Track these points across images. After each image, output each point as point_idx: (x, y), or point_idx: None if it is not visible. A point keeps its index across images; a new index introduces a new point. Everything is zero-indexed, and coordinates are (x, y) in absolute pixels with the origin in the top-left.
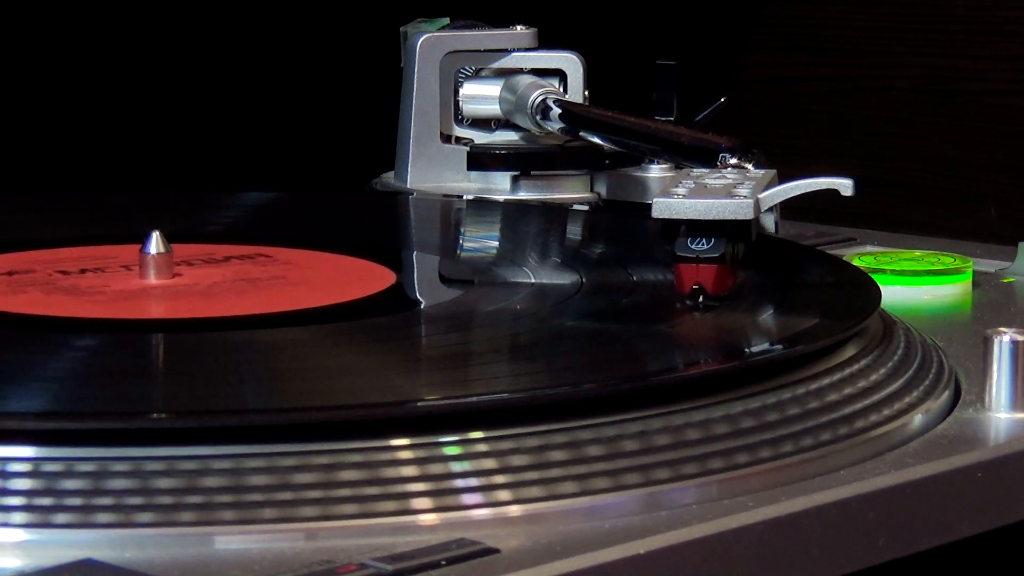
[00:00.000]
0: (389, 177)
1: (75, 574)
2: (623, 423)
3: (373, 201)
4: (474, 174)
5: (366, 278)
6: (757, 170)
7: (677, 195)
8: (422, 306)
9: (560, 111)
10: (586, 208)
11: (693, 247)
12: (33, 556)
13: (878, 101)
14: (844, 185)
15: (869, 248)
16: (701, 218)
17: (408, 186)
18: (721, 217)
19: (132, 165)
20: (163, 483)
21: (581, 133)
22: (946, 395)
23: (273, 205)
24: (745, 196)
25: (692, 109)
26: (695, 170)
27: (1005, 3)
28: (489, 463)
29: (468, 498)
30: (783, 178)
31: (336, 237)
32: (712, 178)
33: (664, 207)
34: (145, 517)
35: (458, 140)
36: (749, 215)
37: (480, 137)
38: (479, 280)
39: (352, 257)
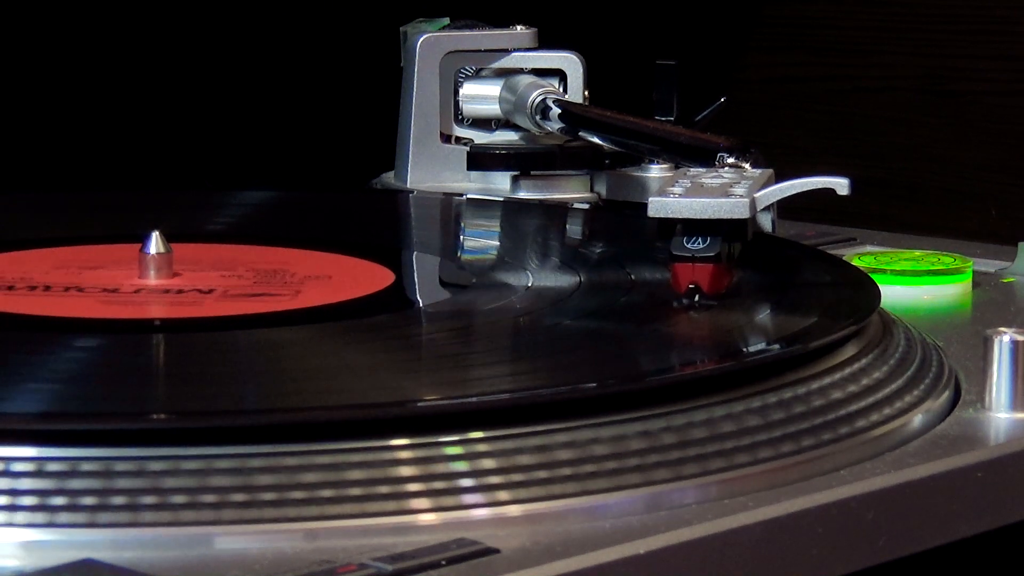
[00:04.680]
0: (389, 177)
1: (75, 574)
2: (623, 423)
3: (373, 201)
4: (474, 174)
5: (366, 278)
6: (754, 169)
7: (673, 194)
8: (422, 306)
9: (560, 111)
10: (585, 207)
11: (689, 246)
12: (33, 556)
13: (878, 101)
14: (840, 184)
15: (869, 248)
16: (697, 217)
17: (408, 186)
18: (717, 216)
19: (132, 165)
20: (163, 483)
21: (581, 133)
22: (946, 395)
23: (273, 205)
24: (741, 195)
25: (692, 109)
26: (692, 169)
27: (1005, 3)
28: (489, 463)
29: (468, 498)
30: (782, 178)
31: (336, 237)
32: (709, 177)
33: (660, 206)
34: (145, 517)
35: (458, 140)
36: (745, 214)
37: (480, 137)
38: (478, 279)
39: (352, 257)
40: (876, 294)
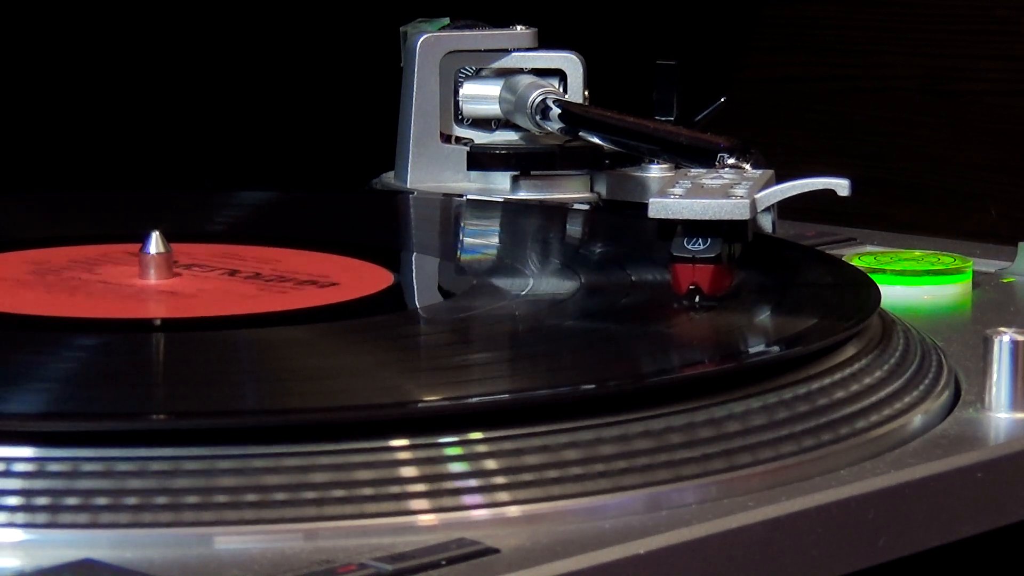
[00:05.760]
0: (389, 177)
1: (75, 574)
2: (623, 423)
3: (373, 201)
4: (474, 174)
5: (366, 278)
6: (754, 170)
7: (673, 195)
8: (421, 306)
9: (560, 111)
10: (585, 208)
11: (689, 247)
12: (33, 556)
13: (878, 101)
14: (840, 185)
15: (869, 248)
16: (697, 218)
17: (408, 186)
18: (717, 217)
19: (132, 165)
20: (163, 483)
21: (581, 133)
22: (946, 395)
23: (273, 205)
24: (741, 196)
25: (692, 109)
26: (692, 170)
27: (1005, 3)
28: (489, 463)
29: (468, 498)
30: (782, 178)
31: (336, 237)
32: (709, 178)
33: (660, 207)
34: (145, 517)
35: (458, 140)
36: (745, 215)
37: (480, 137)
38: (478, 280)
39: (352, 257)
40: (876, 294)
